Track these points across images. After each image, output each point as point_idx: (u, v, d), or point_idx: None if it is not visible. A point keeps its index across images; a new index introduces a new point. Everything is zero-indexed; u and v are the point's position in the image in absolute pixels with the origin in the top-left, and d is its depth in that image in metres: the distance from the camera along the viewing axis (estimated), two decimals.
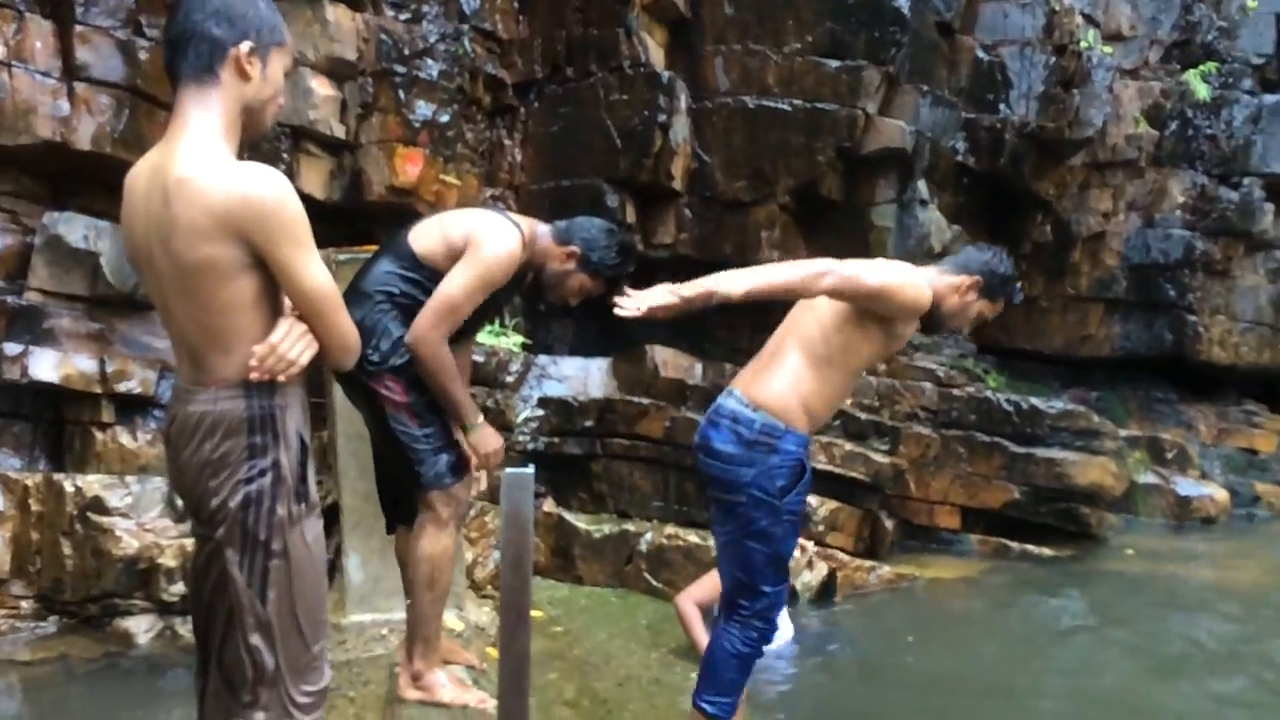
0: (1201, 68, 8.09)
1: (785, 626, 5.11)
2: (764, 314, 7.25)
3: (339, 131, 5.91)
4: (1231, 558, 7.19)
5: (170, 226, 2.11)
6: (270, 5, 2.29)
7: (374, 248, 3.91)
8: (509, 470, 1.89)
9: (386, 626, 4.27)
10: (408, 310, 3.30)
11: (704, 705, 3.31)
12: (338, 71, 5.90)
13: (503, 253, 3.31)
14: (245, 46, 2.19)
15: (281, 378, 2.15)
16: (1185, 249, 8.01)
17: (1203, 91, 7.94)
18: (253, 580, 2.19)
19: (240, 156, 2.23)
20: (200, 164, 2.12)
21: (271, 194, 2.10)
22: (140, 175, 2.21)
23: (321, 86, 5.85)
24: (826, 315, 3.29)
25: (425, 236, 3.37)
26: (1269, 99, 8.36)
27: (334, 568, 4.66)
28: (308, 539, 2.25)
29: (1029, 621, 5.72)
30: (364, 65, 5.99)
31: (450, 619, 4.36)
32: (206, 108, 2.19)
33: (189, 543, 4.51)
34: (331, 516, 4.73)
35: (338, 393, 4.12)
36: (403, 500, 3.53)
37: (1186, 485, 8.01)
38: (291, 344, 2.17)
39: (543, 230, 3.52)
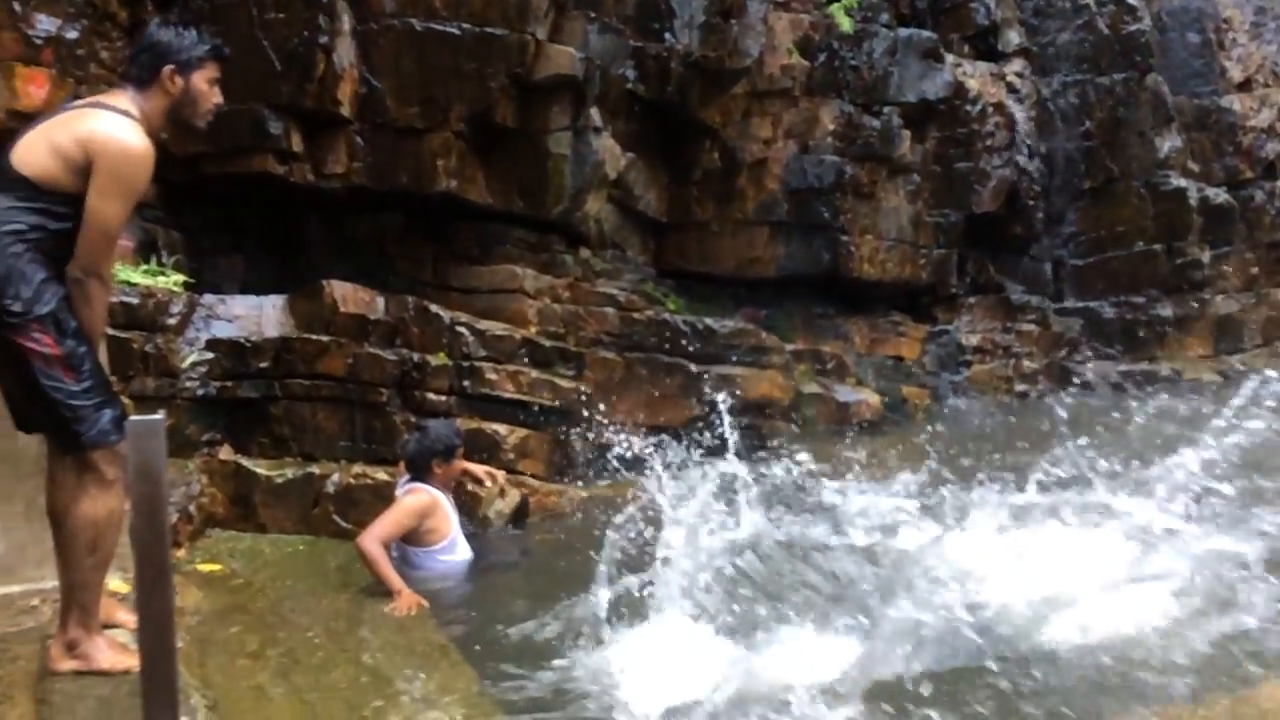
0: (844, 2, 8.66)
1: (464, 549, 5.16)
2: (446, 243, 7.19)
3: None
4: (883, 453, 7.94)
5: None
6: None
7: None
8: (135, 418, 1.76)
9: (37, 597, 3.92)
10: (41, 245, 3.01)
11: None
12: None
13: (136, 154, 3.11)
14: None
15: None
16: (836, 173, 8.62)
17: (846, 24, 8.51)
18: None
19: None
20: None
21: None
22: None
23: None
24: None
25: (32, 157, 3.05)
26: (904, 33, 9.10)
27: None
28: None
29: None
30: None
31: (114, 581, 4.06)
32: None
33: None
34: None
35: None
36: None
37: (845, 393, 8.73)
38: None
39: (133, 93, 3.28)
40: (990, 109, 9.82)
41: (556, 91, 6.65)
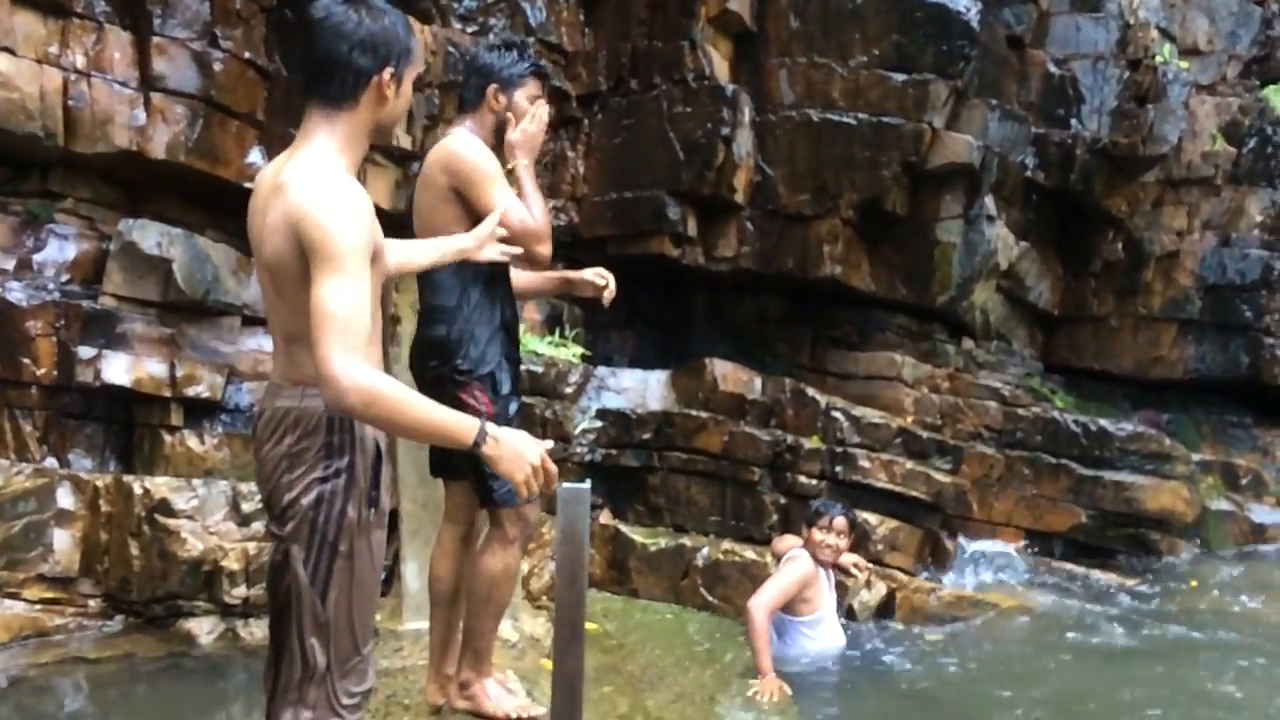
0: None
1: (838, 636, 5.06)
2: (826, 328, 7.23)
3: (405, 142, 5.98)
4: None
5: (264, 225, 2.26)
6: (407, 26, 2.37)
7: None
8: (565, 485, 1.89)
9: None
10: (488, 294, 3.28)
11: None
12: None
13: (472, 145, 3.24)
14: (388, 73, 2.30)
15: None
16: (1263, 269, 7.77)
17: None
18: (316, 579, 2.22)
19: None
20: (300, 172, 2.23)
21: (328, 208, 2.16)
22: (264, 176, 2.35)
23: None
24: None
25: (424, 215, 3.29)
26: None
27: (392, 574, 4.70)
28: (372, 544, 2.30)
29: (1088, 651, 5.57)
30: (431, 77, 6.05)
31: (505, 629, 4.37)
32: (332, 127, 2.30)
33: (252, 546, 4.58)
34: (390, 523, 4.78)
35: None
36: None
37: (1261, 512, 7.77)
38: None
39: (466, 119, 3.38)
40: None
41: (950, 179, 6.53)
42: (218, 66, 5.33)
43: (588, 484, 1.97)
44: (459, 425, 2.19)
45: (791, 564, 4.94)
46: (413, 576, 4.36)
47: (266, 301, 2.38)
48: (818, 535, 4.96)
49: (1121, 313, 7.94)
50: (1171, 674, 5.24)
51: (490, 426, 2.22)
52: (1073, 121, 7.22)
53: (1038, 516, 6.82)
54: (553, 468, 2.28)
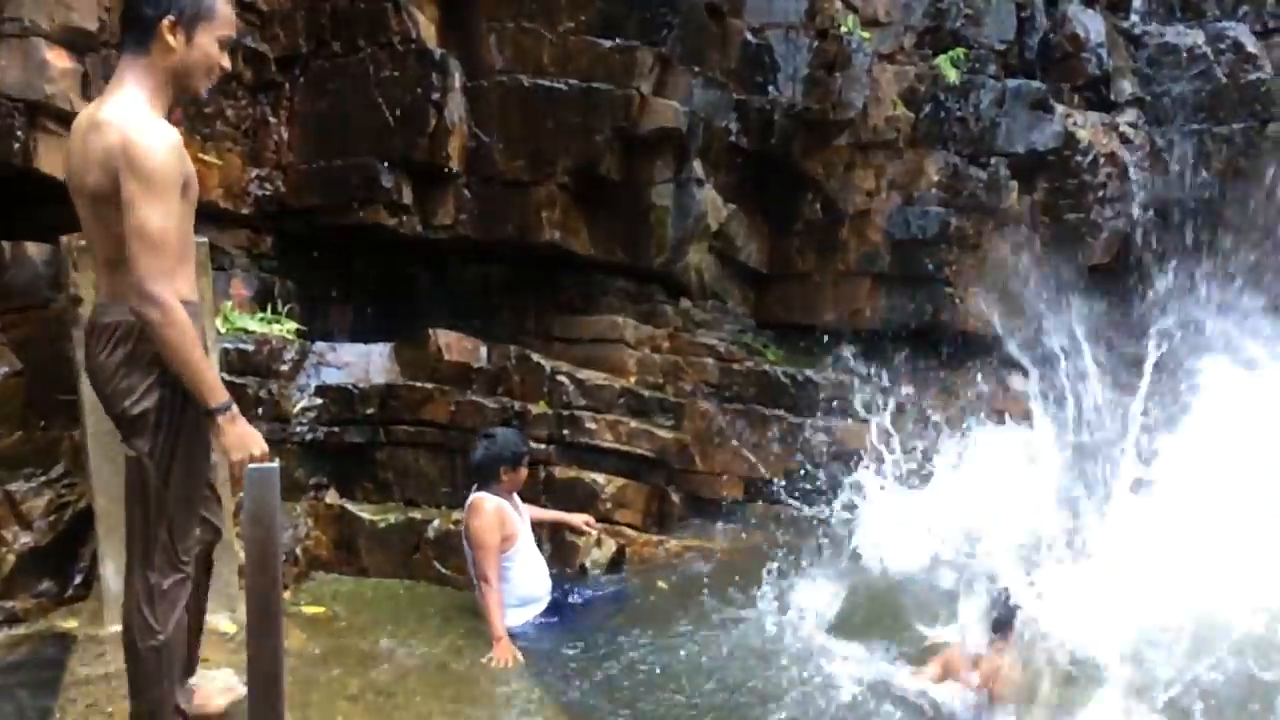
0: (951, 53, 8.55)
1: (537, 555, 5.24)
2: (550, 293, 7.28)
3: (80, 107, 5.46)
4: None
5: (87, 159, 2.61)
6: None
7: None
8: (252, 466, 1.81)
9: None
10: None
11: None
12: (76, 42, 5.45)
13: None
14: (167, 21, 2.66)
15: None
16: (941, 225, 8.47)
17: (952, 76, 8.40)
18: (160, 463, 2.64)
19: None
20: (116, 112, 2.62)
21: (145, 142, 2.53)
22: (81, 120, 2.73)
23: (58, 59, 5.38)
24: None
25: None
26: (1011, 83, 8.92)
27: (90, 576, 4.36)
28: (203, 430, 2.72)
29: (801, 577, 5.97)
30: (107, 36, 5.55)
31: (223, 622, 4.18)
32: (136, 73, 2.67)
33: None
34: (86, 522, 4.42)
35: (87, 388, 3.82)
36: None
37: None
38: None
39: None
40: (1103, 159, 9.56)
41: (660, 144, 6.71)
42: None
43: (277, 464, 1.89)
44: (216, 385, 2.63)
45: (481, 516, 4.96)
46: (113, 577, 4.04)
47: (86, 230, 2.73)
48: (524, 473, 5.20)
49: (823, 269, 8.44)
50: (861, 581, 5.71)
51: (235, 407, 2.63)
52: (770, 88, 7.58)
53: (755, 464, 7.19)
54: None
